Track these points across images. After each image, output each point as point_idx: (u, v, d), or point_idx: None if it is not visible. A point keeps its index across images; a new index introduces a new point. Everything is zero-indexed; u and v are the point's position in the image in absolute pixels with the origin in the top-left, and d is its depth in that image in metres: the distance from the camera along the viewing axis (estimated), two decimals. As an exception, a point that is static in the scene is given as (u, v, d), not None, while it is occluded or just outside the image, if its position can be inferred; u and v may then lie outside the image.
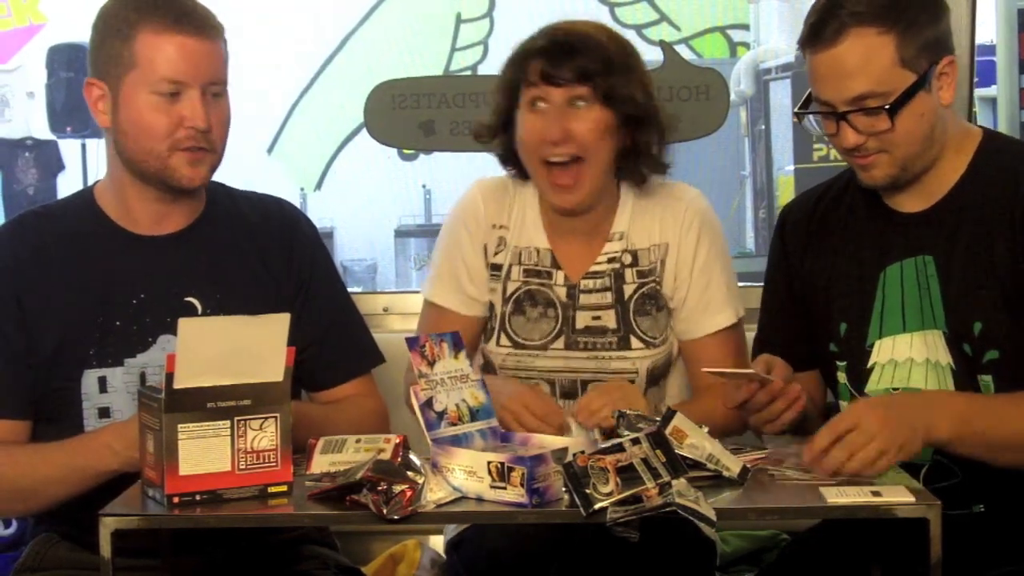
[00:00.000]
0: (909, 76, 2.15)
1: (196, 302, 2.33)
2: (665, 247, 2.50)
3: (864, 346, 2.28)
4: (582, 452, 1.88)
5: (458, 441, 2.00)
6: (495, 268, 2.54)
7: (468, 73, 7.99)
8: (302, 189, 8.48)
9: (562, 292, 2.50)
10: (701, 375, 2.42)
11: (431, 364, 2.05)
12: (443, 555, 2.71)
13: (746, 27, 8.44)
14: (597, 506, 1.83)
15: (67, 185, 7.67)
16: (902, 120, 2.15)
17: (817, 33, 2.17)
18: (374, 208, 8.51)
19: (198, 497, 1.92)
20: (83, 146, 7.47)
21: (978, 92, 5.07)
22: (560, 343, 2.48)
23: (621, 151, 2.43)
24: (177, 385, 1.90)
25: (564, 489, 1.86)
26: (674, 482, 1.85)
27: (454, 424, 2.02)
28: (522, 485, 1.85)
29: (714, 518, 1.83)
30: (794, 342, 2.38)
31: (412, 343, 2.05)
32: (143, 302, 2.31)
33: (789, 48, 7.27)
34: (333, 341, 2.43)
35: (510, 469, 1.86)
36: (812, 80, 2.21)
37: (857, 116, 2.16)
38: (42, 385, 2.30)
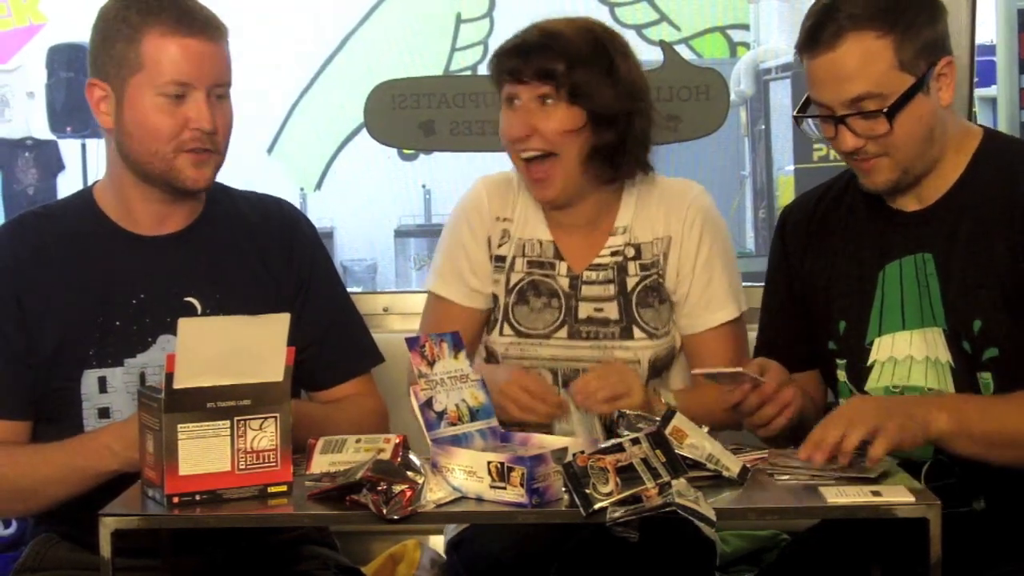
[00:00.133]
0: (907, 79, 2.15)
1: (196, 302, 2.33)
2: (668, 240, 2.51)
3: (863, 344, 2.28)
4: (582, 452, 1.88)
5: (458, 441, 2.00)
6: (499, 260, 2.55)
7: (468, 73, 8.00)
8: (302, 189, 8.47)
9: (564, 283, 2.52)
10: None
11: (431, 364, 2.05)
12: (443, 555, 2.71)
13: (746, 27, 8.44)
14: (597, 506, 1.83)
15: (67, 185, 7.67)
16: (901, 123, 2.15)
17: (814, 37, 2.17)
18: (374, 208, 8.51)
19: (198, 497, 1.92)
20: (83, 146, 7.47)
21: (978, 92, 5.06)
22: (563, 332, 2.50)
23: (595, 147, 2.43)
24: (177, 385, 1.90)
25: (564, 489, 1.86)
26: (674, 482, 1.85)
27: (454, 424, 2.02)
28: (522, 485, 1.85)
29: (714, 518, 1.83)
30: (795, 342, 2.38)
31: (412, 343, 2.05)
32: (143, 302, 2.31)
33: (789, 48, 7.22)
34: (333, 341, 2.43)
35: (510, 469, 1.86)
36: (810, 84, 2.21)
37: (855, 119, 2.16)
38: (42, 385, 2.30)
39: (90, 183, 2.49)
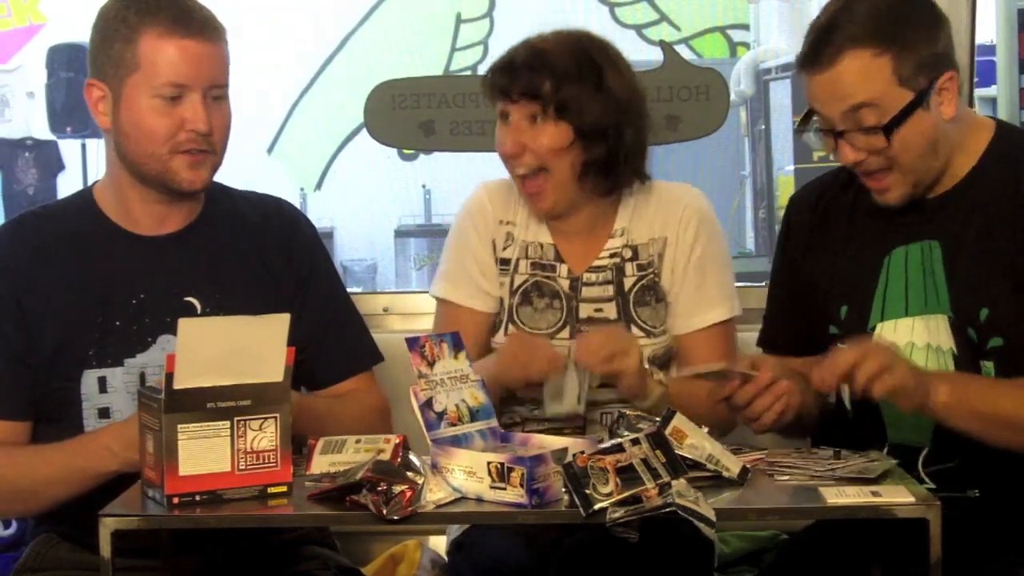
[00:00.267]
0: (906, 94, 2.16)
1: (196, 302, 2.33)
2: (664, 241, 2.53)
3: (865, 329, 2.28)
4: (582, 452, 1.89)
5: (458, 441, 2.00)
6: (503, 263, 2.57)
7: (468, 73, 7.99)
8: (302, 189, 8.48)
9: (565, 284, 2.54)
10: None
11: (431, 364, 2.05)
12: (443, 556, 2.71)
13: (746, 27, 8.44)
14: (597, 506, 1.83)
15: (67, 185, 7.67)
16: (901, 138, 2.16)
17: (814, 55, 2.18)
18: (374, 208, 8.51)
19: (198, 497, 1.92)
20: (83, 146, 7.47)
21: (978, 92, 5.06)
22: (565, 332, 2.52)
23: (587, 162, 2.46)
24: (177, 385, 1.90)
25: (564, 489, 1.86)
26: (674, 482, 1.86)
27: (454, 424, 2.02)
28: (522, 485, 1.85)
29: (714, 518, 1.83)
30: (797, 329, 2.38)
31: (412, 343, 2.05)
32: (142, 302, 2.31)
33: (789, 48, 7.27)
34: (332, 340, 2.43)
35: (510, 469, 1.86)
36: (809, 100, 2.23)
37: (854, 135, 2.17)
38: (42, 385, 2.30)
39: (90, 183, 2.49)
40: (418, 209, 8.41)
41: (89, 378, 2.29)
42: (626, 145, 2.47)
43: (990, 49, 5.91)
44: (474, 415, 2.06)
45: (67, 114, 7.18)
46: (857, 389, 2.07)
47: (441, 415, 2.02)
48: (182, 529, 2.12)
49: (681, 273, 2.52)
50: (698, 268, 2.52)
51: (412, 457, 1.94)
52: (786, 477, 2.02)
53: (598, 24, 7.90)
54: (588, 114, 2.42)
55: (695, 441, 2.00)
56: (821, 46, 2.17)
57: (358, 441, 2.08)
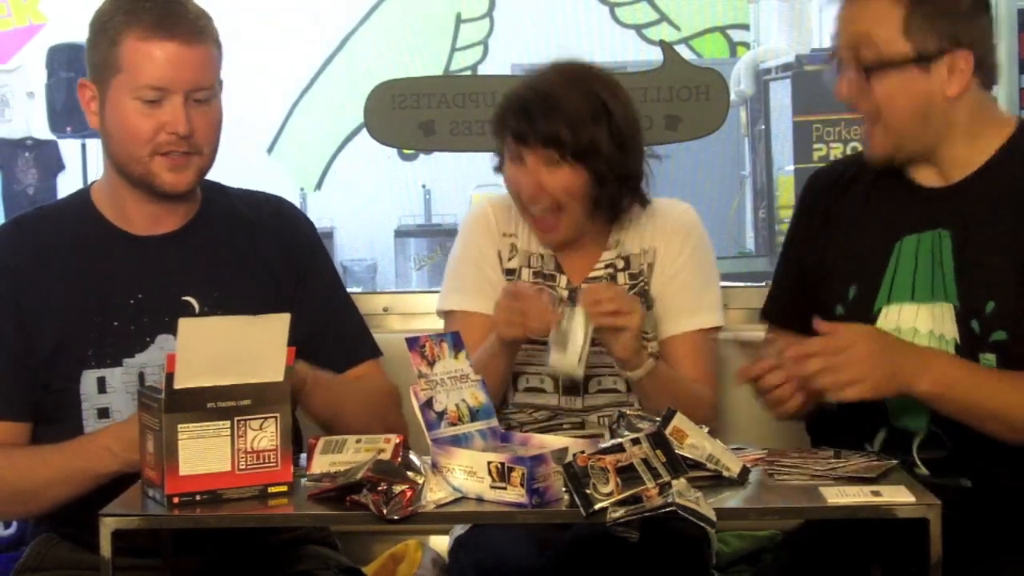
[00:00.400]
0: (906, 47, 2.19)
1: (194, 301, 2.33)
2: (654, 251, 2.59)
3: (871, 312, 2.29)
4: (582, 452, 1.89)
5: (458, 441, 1.99)
6: (509, 273, 2.61)
7: (468, 73, 7.99)
8: (302, 189, 8.49)
9: (564, 294, 2.56)
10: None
11: (431, 364, 2.05)
12: (444, 556, 2.71)
13: (746, 27, 8.45)
14: (597, 506, 1.83)
15: (67, 185, 7.68)
16: (884, 88, 2.20)
17: None
18: (374, 208, 8.52)
19: (198, 497, 1.92)
20: (83, 146, 7.48)
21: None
22: None
23: (598, 199, 2.51)
24: (177, 385, 1.90)
25: (564, 489, 1.86)
26: (674, 482, 1.86)
27: (454, 424, 2.02)
28: (522, 485, 1.85)
29: (714, 518, 1.83)
30: (801, 304, 2.38)
31: (412, 343, 2.05)
32: (141, 302, 2.31)
33: (789, 48, 7.27)
34: (332, 335, 2.43)
35: (510, 469, 1.86)
36: (834, 24, 2.30)
37: (850, 69, 2.22)
38: (41, 386, 2.29)
39: (89, 183, 2.49)
40: (418, 209, 8.41)
41: (88, 378, 2.29)
42: (630, 173, 2.52)
43: (990, 49, 5.91)
44: (474, 415, 2.06)
45: (67, 114, 7.19)
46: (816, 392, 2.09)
47: (441, 415, 2.02)
48: (182, 529, 2.12)
49: (668, 280, 2.57)
50: (680, 275, 2.57)
51: (412, 457, 1.94)
52: (786, 477, 2.02)
53: (598, 24, 7.92)
54: (603, 155, 2.47)
55: (695, 441, 2.00)
56: None
57: (358, 441, 2.08)
